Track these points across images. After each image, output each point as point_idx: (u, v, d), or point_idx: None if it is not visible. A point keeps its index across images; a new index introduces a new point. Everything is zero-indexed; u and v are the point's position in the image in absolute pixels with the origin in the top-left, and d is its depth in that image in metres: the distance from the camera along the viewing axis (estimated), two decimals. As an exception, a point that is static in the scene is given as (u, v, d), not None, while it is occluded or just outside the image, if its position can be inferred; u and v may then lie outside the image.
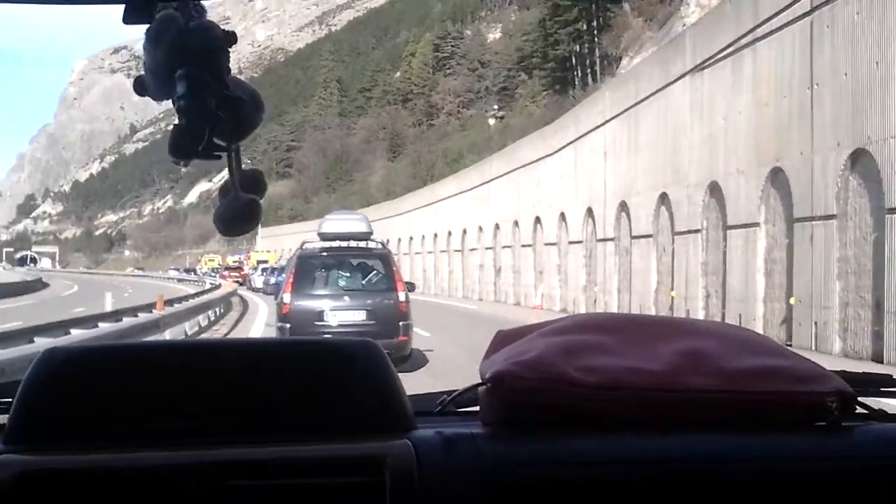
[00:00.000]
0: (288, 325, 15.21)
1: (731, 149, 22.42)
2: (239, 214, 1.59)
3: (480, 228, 49.29)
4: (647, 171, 27.71)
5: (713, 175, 23.44)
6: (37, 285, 76.87)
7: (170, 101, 1.49)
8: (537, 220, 39.92)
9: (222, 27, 1.51)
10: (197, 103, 1.43)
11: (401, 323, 15.24)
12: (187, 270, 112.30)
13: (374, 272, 16.20)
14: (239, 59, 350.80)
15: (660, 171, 26.72)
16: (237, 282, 64.68)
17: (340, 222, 17.02)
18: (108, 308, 23.90)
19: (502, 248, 45.35)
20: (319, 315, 15.32)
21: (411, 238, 65.34)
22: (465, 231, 52.63)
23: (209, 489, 1.32)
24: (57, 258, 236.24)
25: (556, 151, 37.17)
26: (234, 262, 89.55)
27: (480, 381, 1.55)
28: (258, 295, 52.99)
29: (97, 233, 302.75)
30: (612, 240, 31.03)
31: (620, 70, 64.99)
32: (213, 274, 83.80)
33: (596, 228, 32.67)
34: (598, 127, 32.24)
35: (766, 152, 20.82)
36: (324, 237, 16.51)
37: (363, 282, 16.19)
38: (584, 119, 34.04)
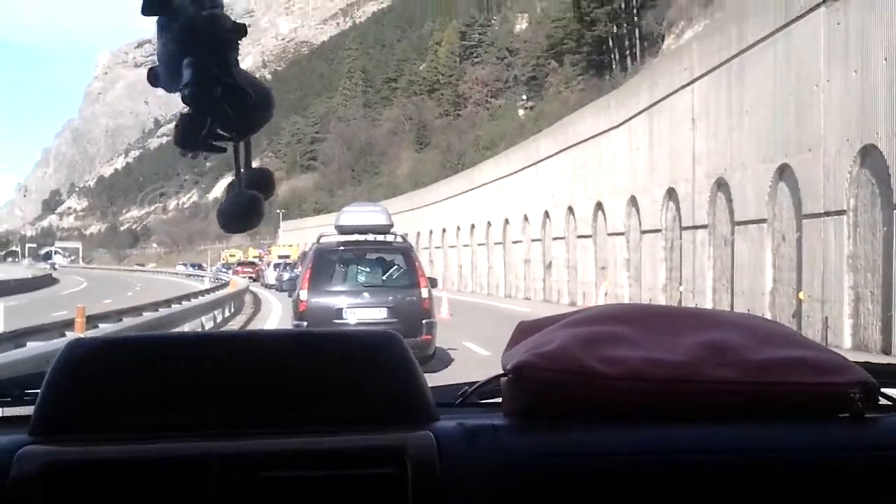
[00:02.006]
0: (305, 324, 14.41)
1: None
2: (241, 211, 1.57)
3: (526, 217, 43.55)
4: (758, 138, 21.65)
5: (866, 136, 17.44)
6: (45, 281, 76.43)
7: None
8: (598, 206, 34.11)
9: (235, 19, 1.49)
10: (201, 92, 1.43)
11: (424, 321, 14.60)
12: (195, 266, 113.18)
13: (395, 267, 15.53)
14: (263, 52, 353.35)
15: (776, 136, 20.68)
16: (251, 278, 62.98)
17: (359, 214, 16.37)
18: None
19: (553, 239, 39.66)
20: (338, 312, 14.68)
21: (444, 230, 59.81)
22: (507, 221, 46.89)
23: (233, 480, 1.34)
24: (80, 254, 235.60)
25: (623, 122, 31.27)
26: (255, 256, 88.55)
27: (502, 372, 1.54)
28: (271, 292, 49.25)
29: (122, 228, 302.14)
30: (704, 227, 24.94)
31: (664, 50, 61.31)
32: (224, 270, 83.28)
33: (681, 214, 26.60)
34: (682, 88, 26.18)
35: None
36: (341, 230, 15.78)
37: (384, 277, 15.48)
38: (663, 80, 27.97)
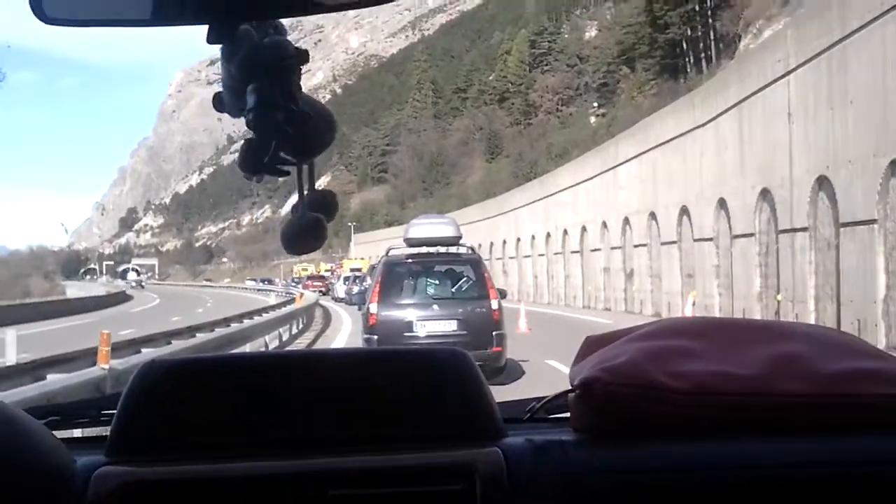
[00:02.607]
0: (375, 337, 14.49)
1: None
2: (303, 232, 1.60)
3: (604, 224, 41.84)
4: (866, 130, 19.70)
5: None
6: (119, 298, 78.81)
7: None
8: (683, 210, 32.28)
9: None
10: (265, 117, 1.47)
11: (494, 333, 14.55)
12: (264, 280, 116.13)
13: (465, 279, 15.50)
14: (333, 67, 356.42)
15: (888, 128, 18.75)
16: (321, 291, 64.00)
17: (427, 227, 16.42)
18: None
19: (634, 246, 37.91)
20: (408, 325, 14.71)
21: (518, 239, 58.22)
22: (584, 228, 45.20)
23: (308, 498, 1.37)
24: (156, 270, 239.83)
25: (709, 120, 29.41)
26: (327, 270, 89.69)
27: (570, 387, 1.54)
28: (340, 305, 48.79)
29: (197, 244, 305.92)
30: (803, 230, 23.01)
31: (741, 50, 59.88)
32: (294, 283, 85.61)
33: (776, 216, 24.69)
34: (776, 80, 24.26)
35: None
36: (410, 243, 15.91)
37: (453, 289, 15.48)
38: (754, 73, 26.04)
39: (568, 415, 1.59)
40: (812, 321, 22.19)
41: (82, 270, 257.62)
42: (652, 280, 35.87)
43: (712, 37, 73.49)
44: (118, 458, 1.41)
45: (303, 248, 1.61)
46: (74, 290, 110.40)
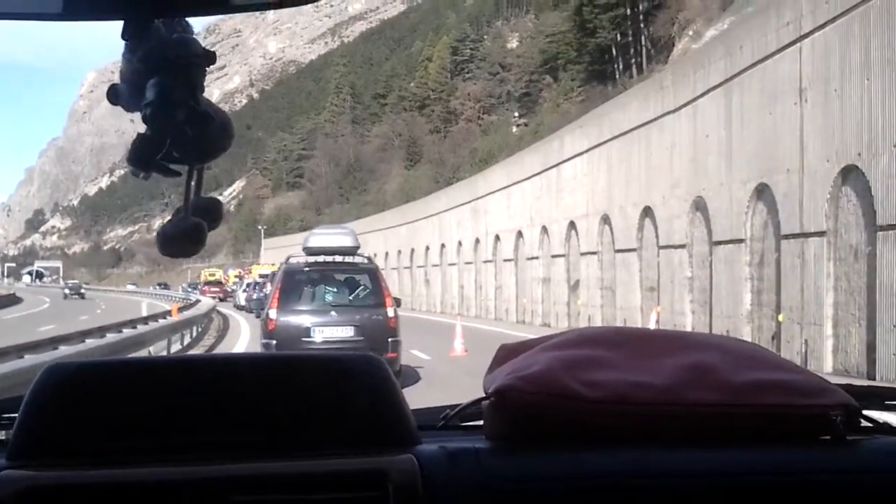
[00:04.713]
0: (274, 342, 14.96)
1: None
2: (182, 236, 1.56)
3: (544, 230, 37.25)
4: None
5: None
6: (8, 300, 76.50)
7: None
8: (646, 211, 27.71)
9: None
10: (164, 113, 1.44)
11: (390, 339, 15.06)
12: (161, 285, 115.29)
13: (362, 287, 16.09)
14: (251, 72, 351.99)
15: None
16: (219, 298, 63.08)
17: (326, 237, 17.15)
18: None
19: (581, 254, 33.31)
20: (306, 331, 15.16)
21: (443, 245, 53.61)
22: (519, 234, 40.60)
23: None
24: (61, 273, 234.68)
25: (684, 105, 24.82)
26: (236, 275, 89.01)
27: (484, 395, 1.56)
28: (241, 313, 45.56)
29: (105, 247, 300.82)
30: (819, 234, 18.40)
31: (675, 54, 57.68)
32: (191, 289, 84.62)
33: (778, 217, 20.06)
34: (782, 49, 19.64)
35: None
36: (309, 252, 16.47)
37: (350, 297, 16.05)
38: (749, 43, 21.37)
39: (482, 423, 1.59)
40: (830, 349, 17.80)
41: None
42: (603, 293, 31.30)
43: (643, 41, 72.01)
44: (20, 463, 1.38)
45: (179, 250, 1.57)
46: None
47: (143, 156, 1.48)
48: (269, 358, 1.70)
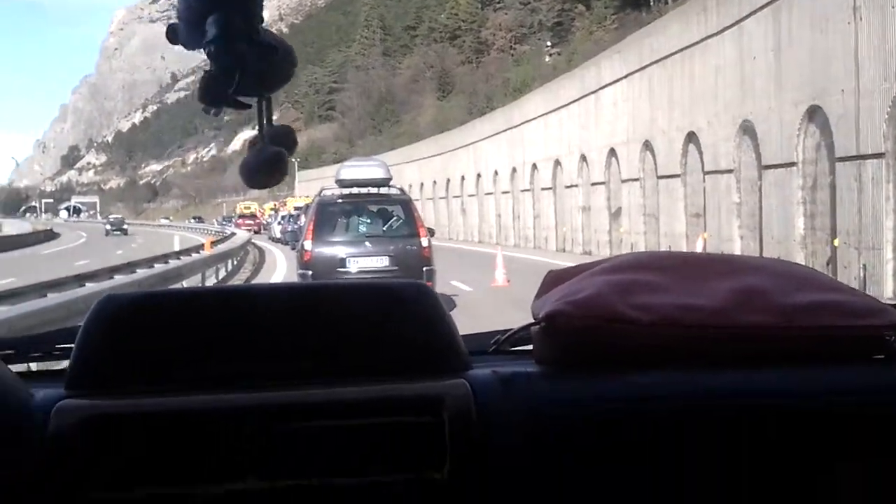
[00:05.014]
0: (310, 272, 15.20)
1: None
2: (264, 167, 1.58)
3: (583, 158, 36.61)
4: None
5: None
6: (47, 236, 78.30)
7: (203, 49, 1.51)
8: (690, 137, 27.09)
9: None
10: (228, 48, 1.45)
11: (424, 268, 15.22)
12: (195, 218, 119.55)
13: (395, 218, 16.20)
14: (279, 6, 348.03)
15: None
16: (253, 231, 62.35)
17: (358, 169, 17.20)
18: None
19: (623, 181, 32.73)
20: (341, 262, 15.35)
21: (479, 175, 52.95)
22: (557, 163, 40.00)
23: (270, 431, 1.36)
24: (98, 208, 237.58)
25: (729, 26, 24.09)
26: (271, 208, 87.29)
27: (533, 320, 1.56)
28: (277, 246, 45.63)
29: (141, 182, 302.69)
30: (877, 156, 17.66)
31: None
32: (225, 222, 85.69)
33: (833, 140, 19.39)
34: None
35: None
36: (342, 184, 16.60)
37: (384, 228, 16.17)
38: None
39: (531, 348, 1.59)
40: (890, 273, 17.40)
41: (23, 208, 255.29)
42: (646, 220, 30.79)
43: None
44: (78, 392, 1.40)
45: (264, 181, 1.59)
46: (9, 227, 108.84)
47: (213, 93, 1.48)
48: (321, 287, 1.63)
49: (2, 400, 1.36)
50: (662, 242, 29.14)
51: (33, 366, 1.96)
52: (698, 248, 24.21)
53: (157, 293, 1.65)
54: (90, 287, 14.00)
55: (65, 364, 1.49)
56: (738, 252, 23.66)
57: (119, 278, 17.07)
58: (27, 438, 1.34)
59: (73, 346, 1.46)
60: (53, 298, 11.65)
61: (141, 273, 18.60)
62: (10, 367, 1.46)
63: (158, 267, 20.90)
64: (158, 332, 1.44)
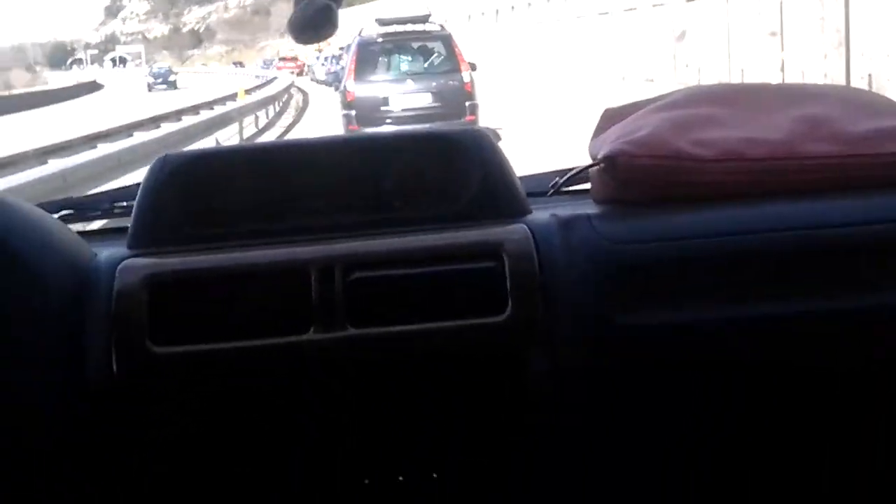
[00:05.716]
0: (353, 112, 15.14)
1: None
2: (312, 21, 1.56)
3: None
4: None
5: None
6: (91, 87, 76.79)
7: None
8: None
9: None
10: None
11: (467, 103, 15.25)
12: (236, 64, 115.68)
13: (436, 54, 16.28)
14: None
15: None
16: (294, 73, 61.39)
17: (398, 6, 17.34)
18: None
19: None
20: (384, 101, 15.37)
21: (529, 4, 50.64)
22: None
23: (334, 282, 1.37)
24: (143, 57, 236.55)
25: None
26: (317, 49, 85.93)
27: (592, 161, 1.53)
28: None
29: (185, 29, 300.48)
30: None
31: None
32: (264, 66, 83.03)
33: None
34: None
35: None
36: (381, 22, 16.66)
37: (425, 65, 16.24)
38: None
39: (589, 187, 1.57)
40: None
41: (70, 61, 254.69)
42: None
43: None
44: (141, 251, 1.41)
45: (314, 36, 1.57)
46: (59, 80, 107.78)
47: None
48: (378, 137, 1.61)
49: (68, 260, 1.37)
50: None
51: (92, 225, 1.90)
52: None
53: (215, 150, 1.62)
54: (139, 136, 13.85)
55: (124, 223, 1.48)
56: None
57: (166, 126, 16.76)
58: (94, 297, 1.34)
59: (131, 204, 1.45)
60: (104, 149, 11.53)
61: (187, 120, 18.07)
62: (70, 226, 1.46)
63: (204, 114, 20.55)
64: (217, 189, 1.44)
